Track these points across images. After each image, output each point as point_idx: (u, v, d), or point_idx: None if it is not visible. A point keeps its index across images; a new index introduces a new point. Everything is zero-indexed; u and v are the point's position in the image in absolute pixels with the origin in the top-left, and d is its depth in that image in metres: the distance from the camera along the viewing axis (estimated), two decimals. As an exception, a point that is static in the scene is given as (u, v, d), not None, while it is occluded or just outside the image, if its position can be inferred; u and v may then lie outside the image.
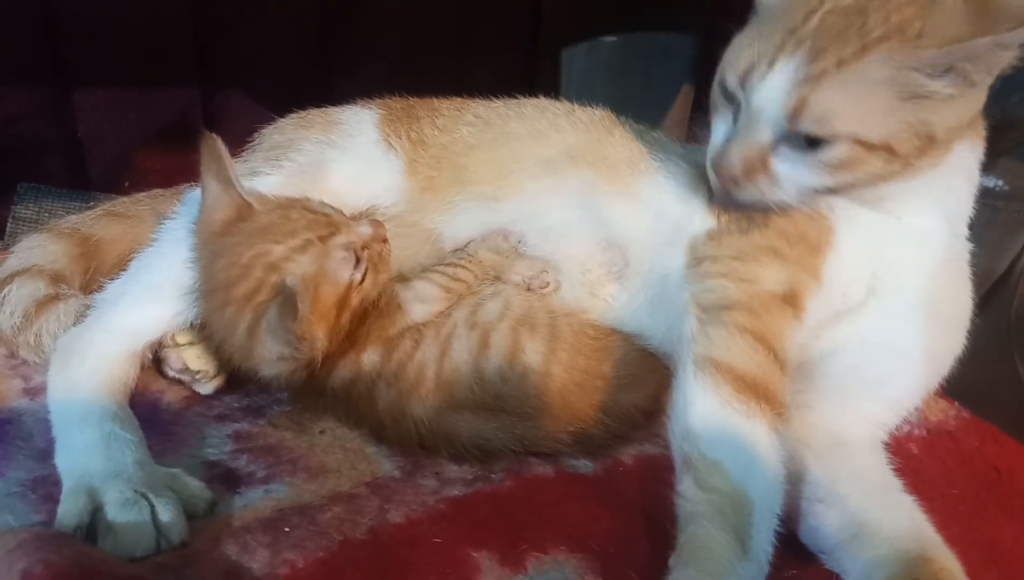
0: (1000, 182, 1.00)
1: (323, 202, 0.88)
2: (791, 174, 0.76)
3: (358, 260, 0.83)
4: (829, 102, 0.72)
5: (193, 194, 0.89)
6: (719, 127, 0.81)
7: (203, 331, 0.88)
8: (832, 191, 0.78)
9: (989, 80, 0.73)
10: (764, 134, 0.76)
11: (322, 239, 0.82)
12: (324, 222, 0.84)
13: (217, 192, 0.85)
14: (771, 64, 0.74)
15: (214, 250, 0.84)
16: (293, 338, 0.77)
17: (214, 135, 0.85)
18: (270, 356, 0.81)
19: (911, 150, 0.73)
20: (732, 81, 0.77)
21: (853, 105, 0.72)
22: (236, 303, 0.80)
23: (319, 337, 0.80)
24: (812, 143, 0.74)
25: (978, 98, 0.76)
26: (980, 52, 0.69)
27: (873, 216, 0.82)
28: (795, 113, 0.73)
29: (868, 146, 0.73)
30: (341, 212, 0.88)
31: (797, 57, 0.72)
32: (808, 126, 0.73)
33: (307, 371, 0.83)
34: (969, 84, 0.71)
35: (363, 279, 0.83)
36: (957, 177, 0.82)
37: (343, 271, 0.82)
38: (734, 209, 0.83)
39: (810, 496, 0.75)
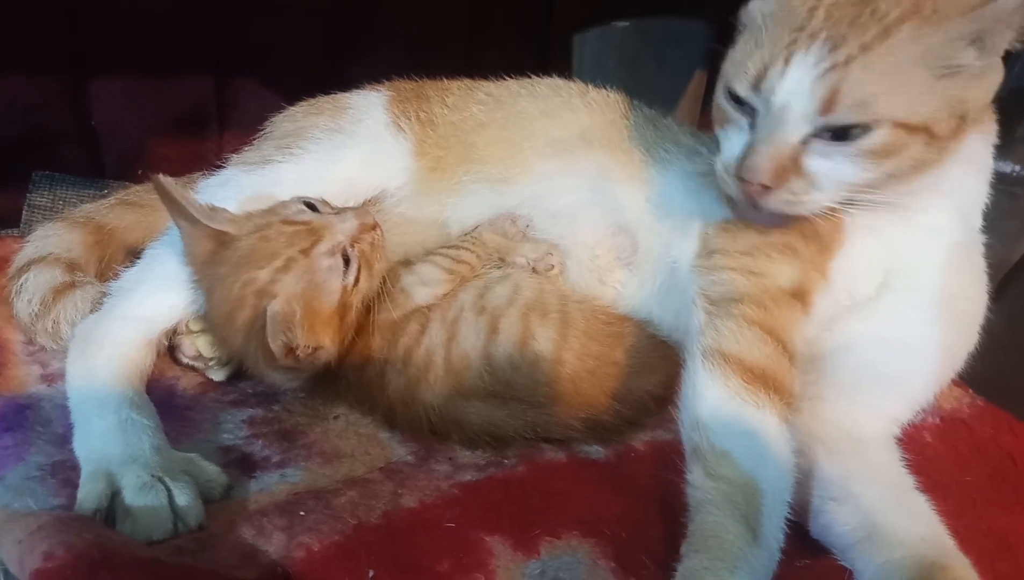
0: (1018, 167, 0.99)
1: (303, 205, 0.85)
2: (828, 171, 0.72)
3: (348, 261, 0.82)
4: (865, 85, 0.68)
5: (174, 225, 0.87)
6: (732, 138, 0.77)
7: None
8: (871, 187, 0.73)
9: (998, 56, 0.70)
10: (793, 133, 0.71)
11: (304, 252, 0.80)
12: (304, 233, 0.82)
13: (189, 229, 0.84)
14: (787, 61, 0.70)
15: (209, 283, 0.84)
16: (286, 369, 0.78)
17: (160, 176, 0.81)
18: (282, 378, 0.83)
19: (947, 132, 0.71)
20: (743, 89, 0.74)
21: (890, 86, 0.68)
22: (242, 332, 0.81)
23: (326, 346, 0.80)
24: (843, 135, 0.70)
25: (998, 74, 0.73)
26: (1008, 13, 0.67)
27: (885, 214, 0.80)
28: (829, 103, 0.69)
29: (909, 128, 0.69)
30: (326, 204, 0.86)
31: (814, 50, 0.69)
32: (845, 114, 0.69)
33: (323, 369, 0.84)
34: (990, 56, 0.69)
35: (357, 280, 0.82)
36: (968, 169, 0.80)
37: (333, 280, 0.81)
38: (759, 219, 0.79)
39: (822, 493, 0.74)
